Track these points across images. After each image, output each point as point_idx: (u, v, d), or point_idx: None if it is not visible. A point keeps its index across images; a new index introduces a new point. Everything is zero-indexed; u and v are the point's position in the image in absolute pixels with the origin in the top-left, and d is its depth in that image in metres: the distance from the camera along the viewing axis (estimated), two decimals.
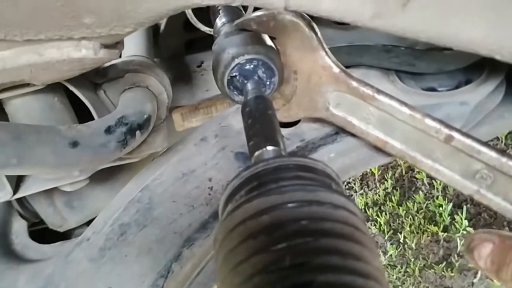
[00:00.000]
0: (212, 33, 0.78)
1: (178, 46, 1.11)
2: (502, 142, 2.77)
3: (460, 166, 0.60)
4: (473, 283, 2.35)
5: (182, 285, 0.65)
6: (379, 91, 0.62)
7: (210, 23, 0.83)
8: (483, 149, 0.58)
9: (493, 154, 0.57)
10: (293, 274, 0.30)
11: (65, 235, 0.93)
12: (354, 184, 2.98)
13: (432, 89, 0.77)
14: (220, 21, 0.73)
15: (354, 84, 0.63)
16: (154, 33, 1.05)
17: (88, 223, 0.93)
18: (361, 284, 0.30)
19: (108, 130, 0.61)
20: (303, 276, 0.30)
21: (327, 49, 0.63)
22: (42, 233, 0.88)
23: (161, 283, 0.62)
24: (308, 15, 0.61)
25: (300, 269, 0.31)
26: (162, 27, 1.07)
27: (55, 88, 0.67)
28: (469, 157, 0.59)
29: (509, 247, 0.57)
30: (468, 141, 0.58)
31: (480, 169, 0.59)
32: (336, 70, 0.63)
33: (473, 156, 0.59)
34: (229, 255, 0.35)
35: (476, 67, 0.74)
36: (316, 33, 0.62)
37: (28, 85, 0.62)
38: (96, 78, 0.71)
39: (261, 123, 0.50)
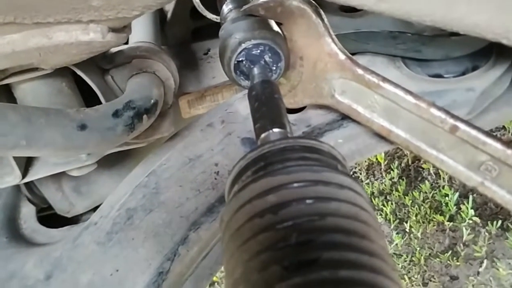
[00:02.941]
0: (218, 20, 0.78)
1: (185, 34, 1.12)
2: (509, 132, 2.76)
3: (465, 157, 0.60)
4: (478, 272, 2.36)
5: (188, 268, 0.66)
6: (384, 79, 0.62)
7: (216, 11, 0.84)
8: (489, 140, 0.57)
9: (498, 146, 0.57)
10: (299, 251, 0.31)
11: (73, 221, 0.94)
12: (360, 173, 2.99)
13: (439, 76, 0.77)
14: (226, 7, 0.73)
15: (360, 71, 0.63)
16: (161, 21, 1.06)
17: (95, 209, 0.94)
18: (365, 261, 0.31)
19: (116, 114, 0.61)
20: (309, 253, 0.31)
21: (333, 36, 0.63)
22: (50, 220, 0.89)
23: (167, 266, 0.63)
24: (314, 0, 0.61)
25: (306, 247, 0.31)
26: (169, 14, 1.07)
27: (63, 72, 0.67)
28: (474, 148, 0.58)
29: None
30: (474, 132, 0.58)
31: (485, 161, 0.58)
32: (342, 57, 0.63)
33: (478, 147, 0.58)
34: (236, 233, 0.35)
35: (483, 53, 0.74)
36: (322, 20, 0.62)
37: (36, 69, 0.62)
38: (103, 63, 0.71)
39: (267, 106, 0.50)
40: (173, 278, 0.63)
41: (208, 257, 0.68)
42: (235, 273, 0.33)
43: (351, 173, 2.95)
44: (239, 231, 0.35)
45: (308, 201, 0.34)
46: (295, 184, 0.35)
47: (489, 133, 0.58)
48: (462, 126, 0.58)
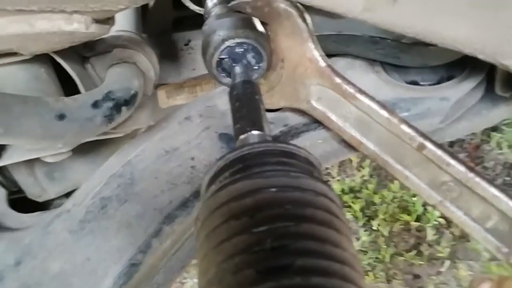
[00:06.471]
0: (201, 12, 0.78)
1: (166, 23, 1.11)
2: (478, 137, 2.82)
3: (428, 176, 0.62)
4: (440, 272, 2.41)
5: (160, 260, 0.66)
6: (361, 91, 0.64)
7: (199, 2, 0.84)
8: (453, 162, 0.59)
9: (461, 168, 0.59)
10: (273, 256, 0.32)
11: (44, 206, 0.93)
12: (332, 170, 3.01)
13: (415, 83, 0.79)
14: (211, 1, 0.73)
15: (338, 80, 0.64)
16: (142, 8, 1.05)
17: (67, 194, 0.93)
18: (337, 269, 0.32)
19: (95, 105, 0.61)
20: (283, 258, 0.32)
21: (316, 42, 0.64)
22: (21, 202, 0.88)
23: (140, 257, 0.63)
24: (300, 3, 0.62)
25: (280, 252, 0.32)
26: (151, 2, 1.06)
27: (42, 59, 0.67)
28: (438, 168, 0.61)
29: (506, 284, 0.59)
30: (439, 152, 0.60)
31: (447, 181, 0.60)
32: (322, 64, 0.64)
33: (442, 167, 0.60)
34: (211, 234, 0.36)
35: (459, 64, 0.76)
36: (307, 25, 0.63)
37: (15, 54, 0.61)
38: (84, 51, 0.71)
39: (248, 108, 0.51)
40: (145, 270, 0.63)
41: (180, 250, 0.69)
42: (209, 273, 0.34)
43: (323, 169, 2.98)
44: (215, 231, 0.36)
45: (284, 206, 0.35)
46: (272, 189, 0.36)
47: (454, 155, 0.60)
48: (429, 145, 0.60)
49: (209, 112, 0.78)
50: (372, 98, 0.63)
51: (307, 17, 0.63)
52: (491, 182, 0.58)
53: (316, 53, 0.64)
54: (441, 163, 0.60)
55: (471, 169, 0.59)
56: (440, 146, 0.60)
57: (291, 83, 0.67)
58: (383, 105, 0.63)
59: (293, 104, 0.70)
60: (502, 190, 0.57)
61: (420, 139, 0.61)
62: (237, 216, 0.35)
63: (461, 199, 0.60)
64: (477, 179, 0.58)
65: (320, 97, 0.66)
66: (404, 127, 0.61)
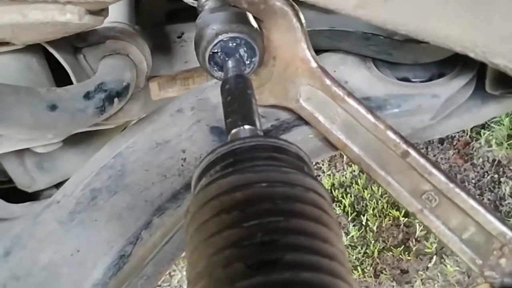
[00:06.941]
0: (194, 5, 0.77)
1: (160, 15, 1.11)
2: (467, 134, 2.84)
3: (410, 184, 0.62)
4: (427, 267, 2.44)
5: (150, 252, 0.66)
6: (349, 94, 0.64)
7: None
8: (435, 171, 0.60)
9: (442, 178, 0.60)
10: (262, 250, 0.32)
11: (34, 196, 0.93)
12: (322, 164, 3.02)
13: (407, 80, 0.79)
14: None
15: (328, 82, 0.64)
16: (136, 0, 1.04)
17: (57, 185, 0.93)
18: (325, 264, 0.32)
19: (87, 96, 0.61)
20: (273, 253, 0.32)
21: (309, 43, 0.64)
22: (10, 193, 0.88)
23: (129, 249, 0.63)
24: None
25: (270, 247, 0.32)
26: None
27: (34, 49, 0.66)
28: (420, 176, 0.61)
29: None
30: (422, 161, 0.61)
31: (428, 190, 0.61)
32: (313, 65, 0.65)
33: (424, 176, 0.61)
34: (201, 227, 0.36)
35: (450, 61, 0.76)
36: (302, 25, 0.63)
37: (7, 43, 0.61)
38: (76, 42, 0.70)
39: (240, 102, 0.51)
40: (135, 261, 0.63)
41: (170, 243, 0.69)
42: (198, 266, 0.34)
43: (314, 164, 2.98)
44: (205, 225, 0.36)
45: (274, 201, 0.35)
46: (263, 184, 0.36)
47: (436, 165, 0.61)
48: (413, 153, 0.61)
49: (201, 105, 0.78)
50: (360, 102, 0.63)
51: (302, 17, 0.63)
52: (470, 194, 0.59)
53: (308, 54, 0.64)
54: (424, 172, 0.61)
55: (451, 180, 0.59)
56: (423, 155, 0.61)
57: (281, 82, 0.67)
58: (370, 110, 0.63)
59: (282, 102, 0.70)
60: (480, 203, 0.58)
61: (405, 147, 0.61)
62: (228, 210, 0.35)
63: (440, 209, 0.61)
64: (457, 190, 0.59)
65: (309, 97, 0.67)
66: (389, 133, 0.62)
